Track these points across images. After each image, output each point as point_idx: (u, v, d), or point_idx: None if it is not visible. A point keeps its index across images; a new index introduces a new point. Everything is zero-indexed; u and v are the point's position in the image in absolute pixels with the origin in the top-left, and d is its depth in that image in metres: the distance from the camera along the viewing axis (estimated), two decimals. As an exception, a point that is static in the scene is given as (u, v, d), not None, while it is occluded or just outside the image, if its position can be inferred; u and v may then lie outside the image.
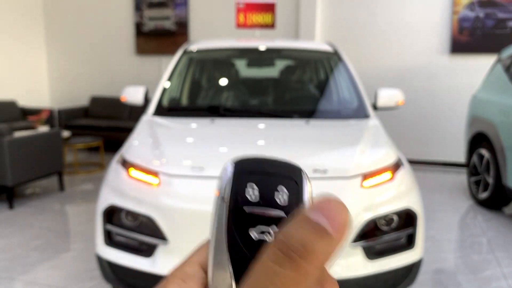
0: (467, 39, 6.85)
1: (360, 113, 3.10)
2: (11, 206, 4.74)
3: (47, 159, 5.12)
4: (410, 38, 7.11)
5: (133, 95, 3.32)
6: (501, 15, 6.67)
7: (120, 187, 2.31)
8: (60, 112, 8.22)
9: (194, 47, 3.69)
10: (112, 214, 2.33)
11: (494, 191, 4.68)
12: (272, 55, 3.73)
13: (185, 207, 2.11)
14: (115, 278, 2.33)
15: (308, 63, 3.86)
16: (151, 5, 8.39)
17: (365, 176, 2.26)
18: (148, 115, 3.09)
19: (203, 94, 3.59)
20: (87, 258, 3.50)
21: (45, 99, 9.25)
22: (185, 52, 3.62)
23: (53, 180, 5.93)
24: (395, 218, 2.28)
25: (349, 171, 2.25)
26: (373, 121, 2.97)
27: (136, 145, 2.56)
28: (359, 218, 2.15)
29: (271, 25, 4.84)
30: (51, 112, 8.17)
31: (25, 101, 8.63)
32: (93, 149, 8.26)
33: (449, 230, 4.26)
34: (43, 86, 9.26)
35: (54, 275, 3.21)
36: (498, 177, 4.59)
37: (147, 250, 2.23)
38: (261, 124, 2.87)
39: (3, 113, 7.89)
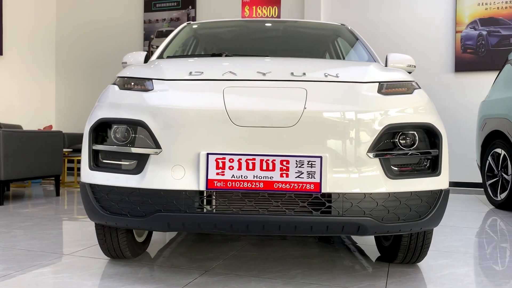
0: (471, 57, 6.84)
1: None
2: (1, 202, 4.49)
3: (45, 159, 4.94)
4: (413, 58, 7.10)
5: (133, 59, 3.21)
6: (504, 32, 6.70)
7: (111, 101, 2.13)
8: (64, 135, 8.13)
9: (197, 22, 3.65)
10: (100, 136, 2.12)
11: (513, 187, 4.40)
12: (278, 26, 3.65)
13: (179, 107, 1.91)
14: (98, 206, 2.06)
15: (317, 34, 3.74)
16: (160, 35, 8.58)
17: (382, 84, 2.07)
18: (146, 65, 2.98)
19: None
20: (75, 233, 3.23)
21: (51, 123, 9.21)
22: (187, 24, 3.57)
23: (49, 188, 5.71)
24: (417, 136, 2.04)
25: (364, 77, 2.07)
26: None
27: (132, 68, 2.40)
28: (376, 124, 1.92)
29: (276, 18, 4.84)
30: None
31: (30, 126, 8.59)
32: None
33: (468, 223, 3.93)
34: (50, 113, 9.27)
35: (35, 243, 2.93)
36: (516, 171, 4.33)
37: (136, 167, 2.00)
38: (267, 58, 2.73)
39: (6, 138, 7.82)
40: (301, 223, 1.90)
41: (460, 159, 6.87)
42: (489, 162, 4.96)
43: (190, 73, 2.06)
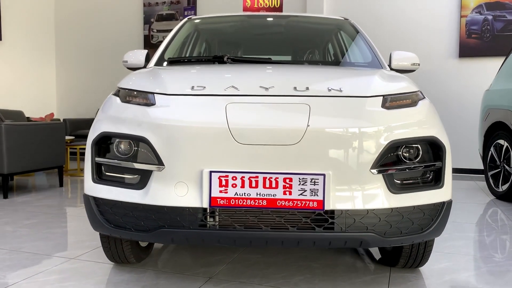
0: (475, 43, 6.74)
1: (374, 66, 2.93)
2: (5, 195, 4.53)
3: (48, 151, 4.95)
4: (417, 43, 7.01)
5: (134, 58, 3.17)
6: (510, 16, 6.57)
7: (113, 114, 2.11)
8: (66, 121, 8.13)
9: (198, 17, 3.59)
10: (103, 148, 2.12)
11: (515, 180, 4.41)
12: (281, 22, 3.59)
13: (182, 124, 1.89)
14: (103, 219, 2.08)
15: (319, 29, 3.69)
16: (160, 18, 8.46)
17: (386, 98, 2.05)
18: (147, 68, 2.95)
19: (207, 53, 3.43)
20: (80, 232, 3.26)
21: (53, 111, 9.20)
22: (188, 20, 3.52)
23: (53, 178, 5.74)
24: (420, 149, 2.03)
25: (367, 91, 2.04)
26: (390, 71, 2.78)
27: (133, 78, 2.37)
28: (379, 141, 1.91)
29: (278, 8, 4.77)
30: (57, 119, 8.09)
31: (32, 112, 8.58)
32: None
33: (470, 217, 3.96)
34: (51, 98, 9.24)
35: (40, 245, 2.97)
36: (519, 164, 4.33)
37: (139, 182, 2.00)
38: (270, 66, 2.69)
39: (8, 124, 7.82)
40: (304, 239, 1.92)
41: (463, 145, 6.87)
42: (492, 153, 4.95)
43: (192, 87, 2.03)
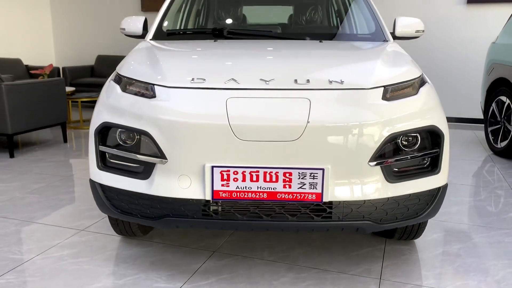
0: (487, -13, 6.46)
1: (378, 37, 2.87)
2: (12, 155, 4.62)
3: (49, 109, 4.97)
4: (426, -13, 6.74)
5: (132, 25, 3.11)
6: (524, -41, 6.25)
7: (114, 103, 2.12)
8: (65, 70, 8.05)
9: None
10: (106, 135, 2.15)
11: (514, 138, 4.45)
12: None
13: (184, 120, 1.91)
14: (109, 205, 2.16)
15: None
16: (156, -41, 8.07)
17: (387, 89, 2.04)
18: (146, 40, 2.90)
19: (206, 20, 3.35)
20: (87, 199, 3.38)
21: (51, 58, 9.08)
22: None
23: (56, 134, 5.81)
24: (419, 137, 2.06)
25: (369, 82, 2.03)
26: (393, 45, 2.74)
27: (132, 62, 2.35)
28: (379, 134, 1.94)
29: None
30: (55, 69, 8.00)
31: (30, 60, 8.47)
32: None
33: (466, 177, 4.05)
34: (49, 45, 9.07)
35: (51, 214, 3.09)
36: (519, 123, 4.34)
37: (143, 172, 2.06)
38: (270, 43, 2.66)
39: (8, 71, 7.74)
40: (303, 226, 2.00)
41: (465, 95, 6.84)
42: (493, 108, 4.95)
43: (193, 79, 2.02)
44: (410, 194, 2.07)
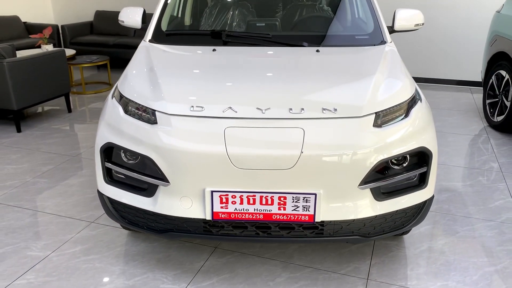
0: None
1: (376, 38, 2.89)
2: (18, 130, 4.75)
3: (52, 81, 5.02)
4: None
5: (130, 17, 3.13)
6: None
7: (117, 125, 2.22)
8: (64, 28, 7.95)
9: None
10: (111, 152, 2.27)
11: (511, 114, 4.51)
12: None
13: (184, 148, 2.02)
14: (117, 215, 2.34)
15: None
16: None
17: (379, 115, 2.13)
18: (146, 41, 2.93)
19: (204, 17, 3.34)
20: (95, 185, 3.55)
21: (49, 14, 8.91)
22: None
23: (60, 102, 5.89)
24: (408, 157, 2.17)
25: (361, 110, 2.11)
26: (390, 48, 2.77)
27: (133, 80, 2.42)
28: (370, 160, 2.05)
29: None
30: (54, 28, 7.90)
31: (28, 17, 8.33)
32: (100, 67, 8.12)
33: (460, 156, 4.18)
34: (46, 0, 8.86)
35: (62, 203, 3.28)
36: (516, 101, 4.39)
37: (148, 190, 2.20)
38: (267, 53, 2.70)
39: (6, 29, 7.66)
40: (297, 240, 2.18)
41: (468, 57, 6.79)
42: (493, 81, 4.96)
43: (192, 107, 2.10)
44: (397, 210, 2.22)
